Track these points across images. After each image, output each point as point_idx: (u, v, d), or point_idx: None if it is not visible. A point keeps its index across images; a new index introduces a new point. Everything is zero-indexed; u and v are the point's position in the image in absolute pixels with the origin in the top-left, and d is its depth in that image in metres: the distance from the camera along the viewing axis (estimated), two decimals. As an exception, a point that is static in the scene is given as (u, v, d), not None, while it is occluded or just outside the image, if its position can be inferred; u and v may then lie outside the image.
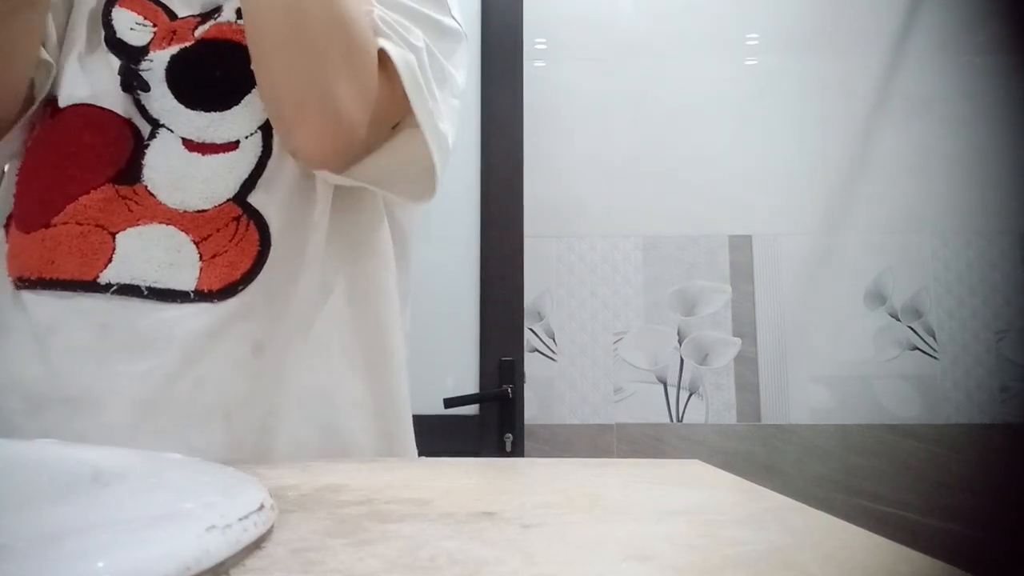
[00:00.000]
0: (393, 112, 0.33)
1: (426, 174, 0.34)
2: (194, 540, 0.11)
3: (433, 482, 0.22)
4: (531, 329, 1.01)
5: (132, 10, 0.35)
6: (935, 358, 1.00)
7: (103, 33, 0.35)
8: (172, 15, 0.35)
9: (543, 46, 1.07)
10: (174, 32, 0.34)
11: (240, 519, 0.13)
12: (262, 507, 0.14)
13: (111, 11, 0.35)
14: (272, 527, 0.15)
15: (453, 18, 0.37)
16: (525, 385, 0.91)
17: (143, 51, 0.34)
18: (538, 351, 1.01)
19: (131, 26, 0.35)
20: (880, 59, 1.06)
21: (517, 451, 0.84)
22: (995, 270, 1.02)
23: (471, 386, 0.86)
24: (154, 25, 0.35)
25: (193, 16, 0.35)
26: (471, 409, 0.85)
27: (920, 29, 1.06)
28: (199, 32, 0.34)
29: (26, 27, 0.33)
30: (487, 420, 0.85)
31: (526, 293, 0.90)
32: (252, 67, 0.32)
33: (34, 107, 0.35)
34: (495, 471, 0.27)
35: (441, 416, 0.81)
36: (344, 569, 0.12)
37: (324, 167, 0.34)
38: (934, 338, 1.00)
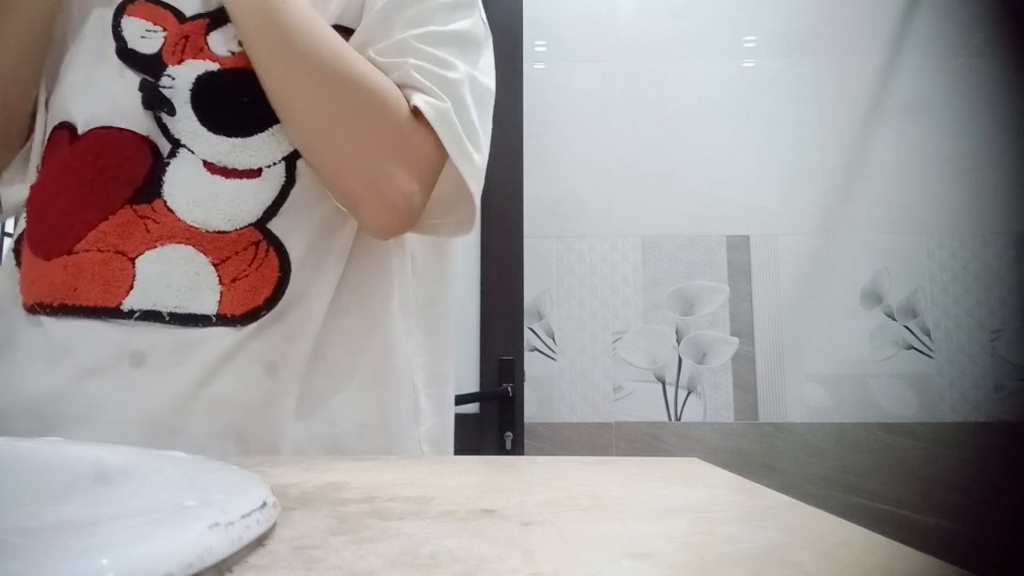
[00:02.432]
0: (442, 155, 0.34)
1: (464, 208, 0.36)
2: (197, 537, 0.12)
3: (434, 480, 0.22)
4: (531, 328, 1.01)
5: (141, 17, 0.35)
6: (931, 357, 1.00)
7: (114, 45, 0.34)
8: (181, 16, 0.35)
9: (543, 48, 1.08)
10: (186, 38, 0.34)
11: (243, 516, 0.13)
12: (264, 505, 0.14)
13: (120, 22, 0.35)
14: (274, 525, 0.15)
15: (482, 20, 0.37)
16: (525, 384, 0.92)
17: (157, 61, 0.33)
18: (538, 350, 1.01)
19: (141, 34, 0.34)
20: (876, 61, 1.06)
21: (517, 449, 0.84)
22: (990, 270, 1.02)
23: (471, 385, 0.86)
24: (164, 29, 0.34)
25: (201, 16, 0.34)
26: (471, 408, 0.85)
27: (916, 31, 1.06)
28: (216, 47, 0.33)
29: (37, 28, 0.33)
30: (487, 418, 0.85)
31: (526, 293, 0.91)
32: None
33: (33, 136, 0.35)
34: (495, 469, 0.27)
35: (440, 415, 0.81)
36: (345, 567, 0.12)
37: (396, 236, 0.35)
38: (930, 337, 1.01)
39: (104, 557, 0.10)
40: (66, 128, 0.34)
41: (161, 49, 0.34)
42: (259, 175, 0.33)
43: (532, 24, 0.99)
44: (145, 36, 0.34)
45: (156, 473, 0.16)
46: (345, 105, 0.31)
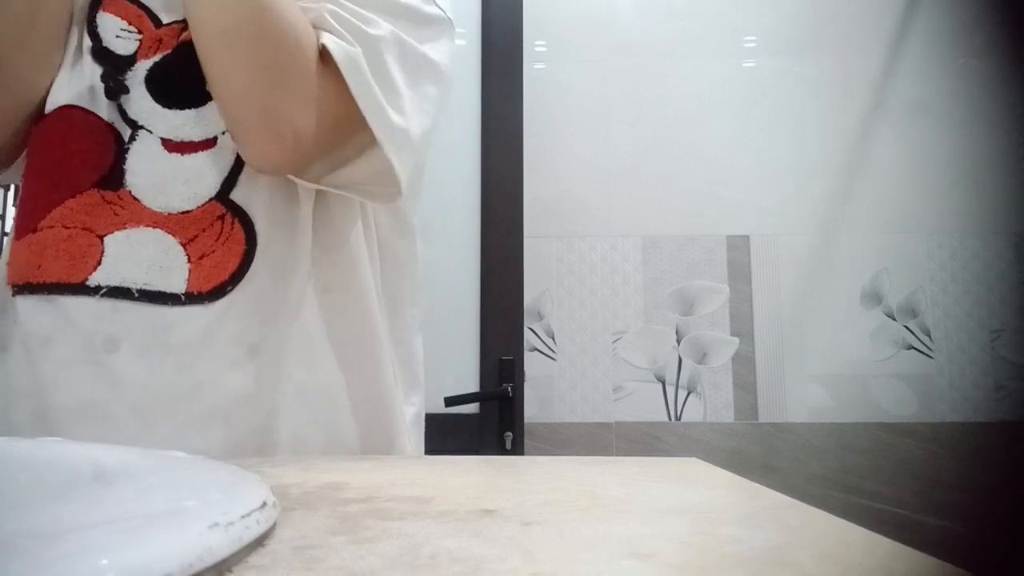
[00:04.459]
0: (349, 103, 0.31)
1: (388, 172, 0.33)
2: (196, 537, 0.12)
3: (434, 480, 0.22)
4: (531, 328, 1.01)
5: (116, 15, 0.35)
6: (931, 357, 1.00)
7: (90, 43, 0.34)
8: (157, 21, 0.35)
9: (543, 48, 1.08)
10: (160, 41, 0.34)
11: (243, 517, 0.13)
12: (264, 505, 0.14)
13: (95, 17, 0.35)
14: (274, 525, 0.15)
15: (437, 5, 0.36)
16: (525, 384, 0.92)
17: (130, 61, 0.34)
18: (538, 350, 1.01)
19: (116, 32, 0.34)
20: (877, 61, 1.06)
21: (517, 449, 0.84)
22: (990, 270, 1.02)
23: (471, 385, 0.86)
24: (139, 32, 0.35)
25: (177, 22, 0.35)
26: (471, 407, 0.85)
27: (916, 31, 1.06)
28: (183, 37, 0.34)
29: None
30: (487, 418, 0.85)
31: (526, 293, 0.90)
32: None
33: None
34: (495, 469, 0.27)
35: (442, 414, 0.81)
36: (345, 567, 0.12)
37: (276, 173, 0.33)
38: (930, 337, 1.01)
39: (104, 557, 0.10)
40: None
41: (136, 52, 0.34)
42: (215, 144, 0.33)
43: (532, 24, 0.99)
44: (120, 36, 0.34)
45: (156, 473, 0.16)
46: (251, 25, 0.30)
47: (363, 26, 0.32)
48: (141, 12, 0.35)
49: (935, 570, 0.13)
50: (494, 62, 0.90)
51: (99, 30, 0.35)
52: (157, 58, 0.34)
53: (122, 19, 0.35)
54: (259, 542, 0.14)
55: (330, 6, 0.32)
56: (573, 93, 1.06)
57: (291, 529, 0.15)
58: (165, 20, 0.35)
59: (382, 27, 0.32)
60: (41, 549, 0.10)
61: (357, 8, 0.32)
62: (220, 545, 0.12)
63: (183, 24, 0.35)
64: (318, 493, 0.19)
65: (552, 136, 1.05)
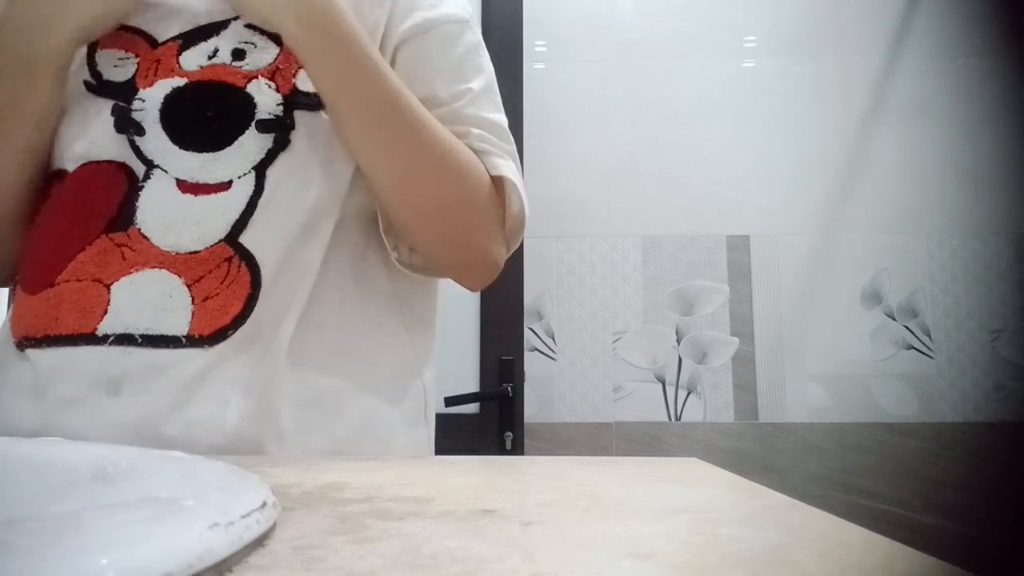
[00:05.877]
0: (519, 209, 0.38)
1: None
2: (196, 537, 0.12)
3: (434, 480, 0.22)
4: (531, 328, 1.01)
5: (112, 47, 0.35)
6: (931, 357, 1.00)
7: (93, 82, 0.34)
8: (153, 42, 0.35)
9: (543, 48, 1.08)
10: (158, 61, 0.34)
11: (243, 516, 0.13)
12: (264, 504, 0.14)
13: (95, 56, 0.35)
14: (275, 524, 0.15)
15: (479, 31, 0.41)
16: (525, 384, 0.92)
17: (131, 87, 0.34)
18: (538, 350, 1.01)
19: (114, 63, 0.35)
20: (877, 61, 1.06)
21: (517, 449, 0.84)
22: (990, 270, 1.02)
23: (471, 385, 0.86)
24: (136, 56, 0.35)
25: (173, 39, 0.35)
26: (471, 407, 0.85)
27: (916, 31, 1.06)
28: (187, 65, 0.34)
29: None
30: (487, 418, 0.85)
31: (526, 293, 0.91)
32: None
33: None
34: (495, 469, 0.27)
35: (441, 414, 0.81)
36: (345, 567, 0.12)
37: (485, 286, 0.40)
38: (930, 337, 1.01)
39: (104, 557, 0.10)
40: (56, 175, 0.34)
41: (134, 75, 0.34)
42: (229, 187, 0.33)
43: (532, 24, 0.99)
44: (118, 64, 0.35)
45: (156, 473, 0.16)
46: (445, 185, 0.34)
47: (504, 143, 0.38)
48: (135, 36, 0.35)
49: (935, 570, 0.13)
50: (494, 62, 0.90)
51: (98, 67, 0.35)
52: (167, 88, 0.33)
53: (118, 49, 0.35)
54: (259, 542, 0.14)
55: (475, 130, 0.37)
56: (573, 93, 1.06)
57: (291, 529, 0.15)
58: (161, 39, 0.35)
59: (501, 111, 0.38)
60: (41, 549, 0.10)
61: (486, 115, 0.37)
62: (220, 545, 0.12)
63: (180, 39, 0.35)
64: (318, 493, 0.19)
65: (552, 136, 1.05)
